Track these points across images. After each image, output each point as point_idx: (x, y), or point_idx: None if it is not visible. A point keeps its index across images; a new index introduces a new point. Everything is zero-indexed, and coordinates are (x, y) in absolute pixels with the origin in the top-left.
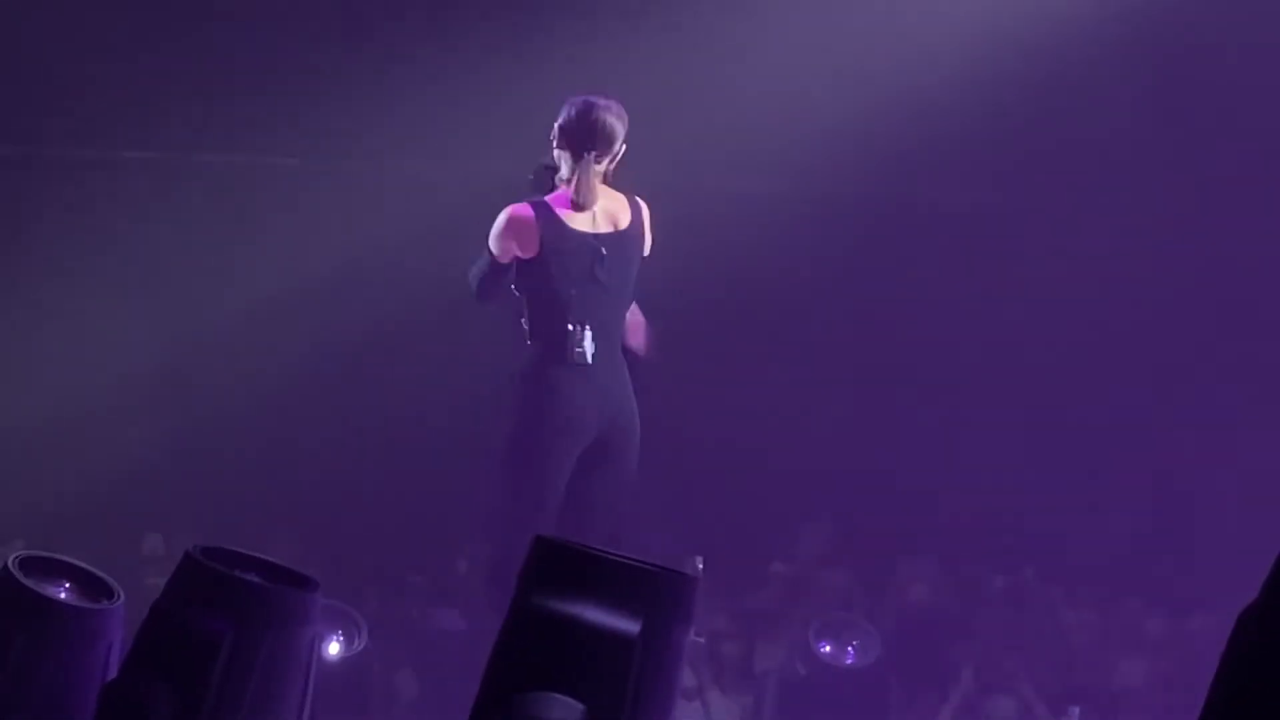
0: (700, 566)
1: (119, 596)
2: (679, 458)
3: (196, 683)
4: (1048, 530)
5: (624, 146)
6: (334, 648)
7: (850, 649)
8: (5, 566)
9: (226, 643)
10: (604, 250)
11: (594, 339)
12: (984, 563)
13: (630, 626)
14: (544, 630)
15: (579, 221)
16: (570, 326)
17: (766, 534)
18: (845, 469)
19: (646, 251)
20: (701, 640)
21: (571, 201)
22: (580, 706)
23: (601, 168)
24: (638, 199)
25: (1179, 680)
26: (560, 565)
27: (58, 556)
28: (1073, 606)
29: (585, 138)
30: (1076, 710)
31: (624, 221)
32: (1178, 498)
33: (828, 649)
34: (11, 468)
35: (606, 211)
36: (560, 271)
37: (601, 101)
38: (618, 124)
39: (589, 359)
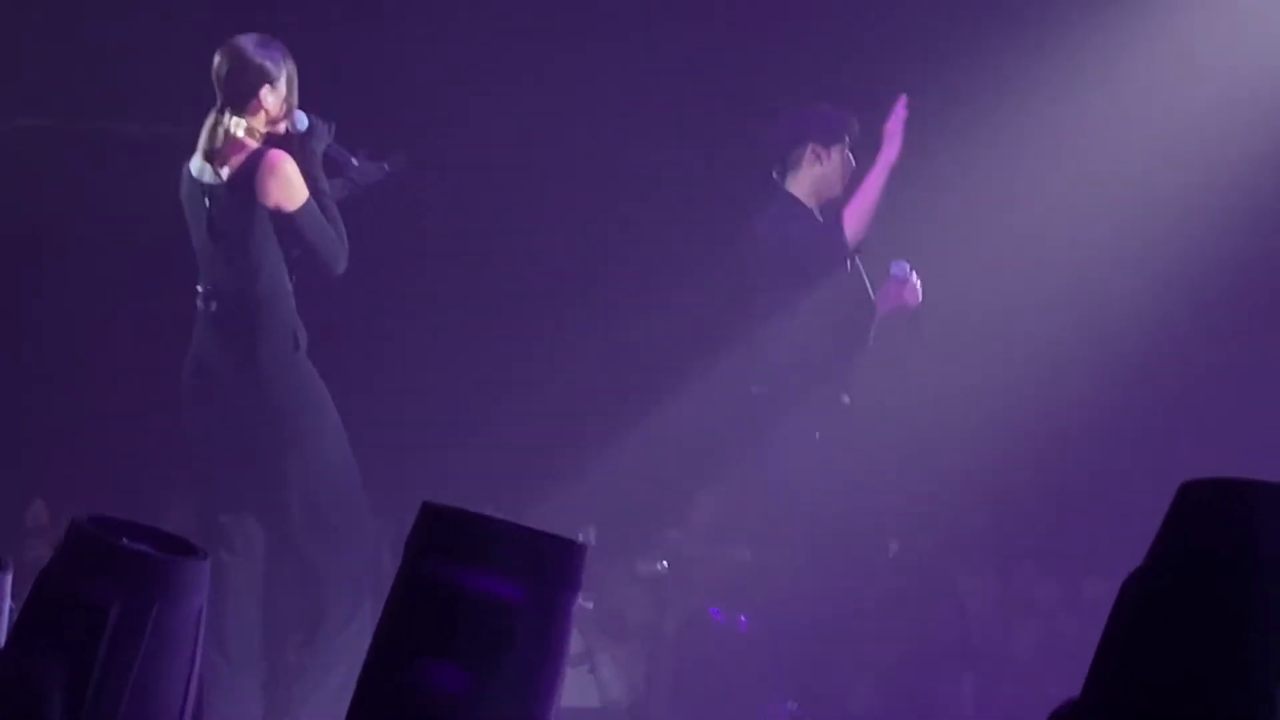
0: (591, 537)
1: (7, 567)
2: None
3: (85, 652)
4: (945, 497)
5: (281, 97)
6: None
7: (742, 617)
8: None
9: (114, 612)
10: (208, 201)
11: (208, 294)
12: (881, 529)
13: (517, 593)
14: (430, 597)
15: (204, 173)
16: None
17: (663, 503)
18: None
19: (274, 205)
20: (590, 606)
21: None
22: (465, 674)
23: (229, 119)
24: (271, 153)
25: (1072, 644)
26: (446, 531)
27: None
28: (968, 572)
29: (216, 87)
30: (971, 677)
31: (235, 171)
32: (1075, 466)
33: (720, 616)
34: None
35: (229, 163)
36: (189, 224)
37: (231, 49)
38: (244, 76)
39: (204, 319)
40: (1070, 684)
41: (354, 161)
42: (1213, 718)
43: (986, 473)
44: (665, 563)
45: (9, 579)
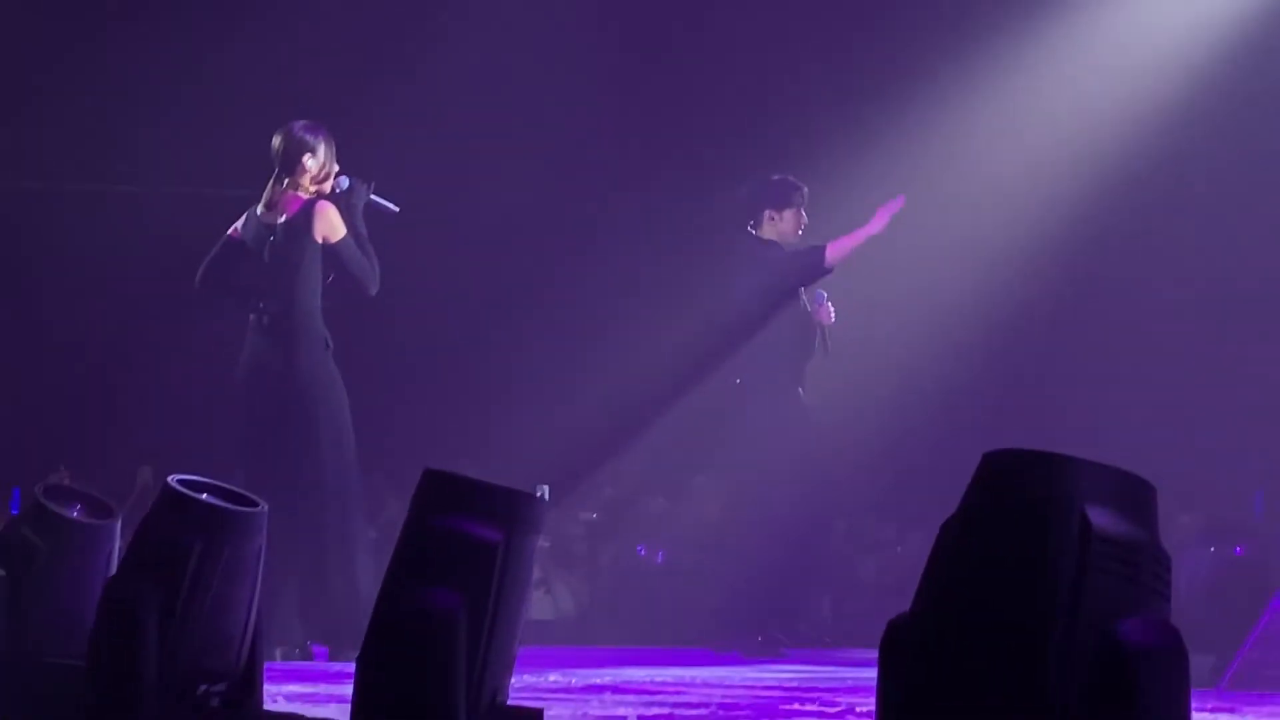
0: (546, 493)
1: (117, 515)
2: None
3: (173, 581)
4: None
5: (320, 163)
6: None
7: (660, 553)
8: (35, 495)
9: (195, 551)
10: (271, 236)
11: (260, 310)
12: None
13: (495, 536)
14: (431, 540)
15: (268, 217)
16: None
17: (602, 464)
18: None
19: (320, 239)
20: (546, 545)
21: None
22: (458, 596)
23: (288, 180)
24: (320, 201)
25: (904, 572)
26: (443, 490)
27: (73, 485)
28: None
29: (274, 159)
30: (828, 598)
31: (292, 214)
32: (908, 438)
33: (644, 552)
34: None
35: (287, 209)
36: (250, 256)
37: (284, 129)
38: (291, 148)
39: (256, 328)
40: (903, 601)
41: (395, 209)
42: (1005, 627)
43: (849, 446)
44: (595, 515)
45: (118, 526)
